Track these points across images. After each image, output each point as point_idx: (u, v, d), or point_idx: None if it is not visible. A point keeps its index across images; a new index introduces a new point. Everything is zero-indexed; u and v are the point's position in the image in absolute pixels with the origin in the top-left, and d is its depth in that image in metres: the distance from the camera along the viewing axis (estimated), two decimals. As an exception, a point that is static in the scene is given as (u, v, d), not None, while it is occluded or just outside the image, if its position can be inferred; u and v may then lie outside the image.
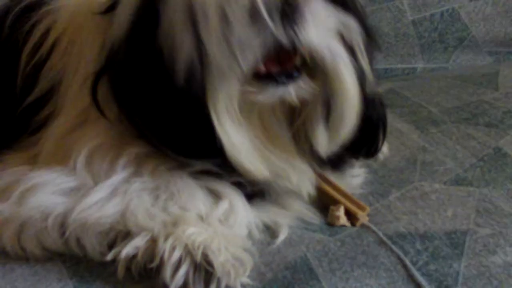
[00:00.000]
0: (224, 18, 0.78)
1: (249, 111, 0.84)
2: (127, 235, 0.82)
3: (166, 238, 0.80)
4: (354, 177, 0.99)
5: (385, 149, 1.06)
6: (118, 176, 0.85)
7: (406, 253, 0.86)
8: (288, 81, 0.81)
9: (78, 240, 0.84)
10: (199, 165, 0.86)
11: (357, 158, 0.97)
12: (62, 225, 0.84)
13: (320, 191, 0.94)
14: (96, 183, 0.85)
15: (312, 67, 0.82)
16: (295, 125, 0.87)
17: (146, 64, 0.83)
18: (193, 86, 0.80)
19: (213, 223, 0.84)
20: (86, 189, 0.84)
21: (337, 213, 0.91)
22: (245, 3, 0.77)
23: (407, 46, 1.54)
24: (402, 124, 1.18)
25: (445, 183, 1.00)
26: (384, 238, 0.88)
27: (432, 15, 1.55)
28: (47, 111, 0.94)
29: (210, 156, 0.84)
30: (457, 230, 0.89)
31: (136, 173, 0.86)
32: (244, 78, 0.80)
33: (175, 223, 0.82)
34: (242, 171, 0.85)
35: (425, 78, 1.47)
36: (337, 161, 0.92)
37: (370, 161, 1.03)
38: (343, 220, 0.91)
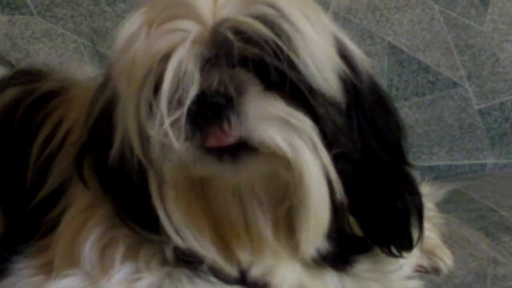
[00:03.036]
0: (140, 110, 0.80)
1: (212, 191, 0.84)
2: None
3: None
4: None
5: (449, 261, 1.06)
6: (119, 273, 0.88)
7: None
8: (228, 158, 0.80)
9: None
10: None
11: (388, 252, 0.94)
12: None
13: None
14: (107, 278, 0.88)
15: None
16: (277, 212, 0.86)
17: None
18: (127, 170, 0.84)
19: None
20: None
21: None
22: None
23: (474, 139, 1.54)
24: (469, 231, 1.17)
25: (521, 302, 0.98)
26: None
27: (502, 103, 1.55)
28: (59, 209, 0.96)
29: None
30: None
31: (136, 269, 0.89)
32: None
33: None
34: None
35: (496, 176, 1.46)
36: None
37: (432, 275, 1.02)
38: None
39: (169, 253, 0.88)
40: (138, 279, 0.88)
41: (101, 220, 0.91)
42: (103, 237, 0.90)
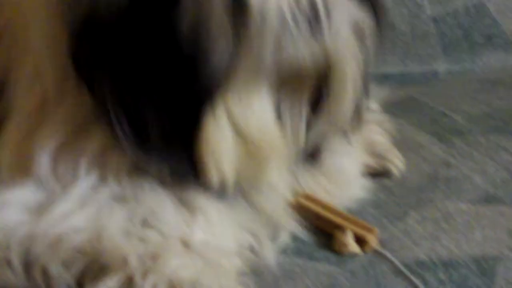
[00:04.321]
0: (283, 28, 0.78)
1: None
2: (97, 272, 0.80)
3: (144, 275, 0.78)
4: (358, 188, 1.00)
5: (401, 164, 1.07)
6: (83, 183, 0.84)
7: (427, 283, 0.85)
8: None
9: (43, 271, 0.80)
10: (156, 165, 0.84)
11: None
12: (27, 251, 0.81)
13: (312, 216, 0.94)
14: (64, 189, 0.84)
15: None
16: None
17: (148, 33, 0.79)
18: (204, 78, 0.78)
19: (199, 249, 0.82)
20: (54, 200, 0.84)
21: (345, 239, 0.90)
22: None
23: (427, 46, 1.55)
24: (421, 135, 1.18)
25: (472, 202, 0.99)
26: (401, 267, 0.87)
27: (455, 10, 1.55)
28: None
29: (173, 152, 0.83)
30: (486, 256, 0.89)
31: (101, 178, 0.85)
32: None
33: (153, 255, 0.80)
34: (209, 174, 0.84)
35: (449, 82, 1.47)
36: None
37: (384, 179, 1.04)
38: (353, 246, 0.90)
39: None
40: (100, 192, 0.84)
41: (58, 123, 0.86)
42: (62, 143, 0.86)
